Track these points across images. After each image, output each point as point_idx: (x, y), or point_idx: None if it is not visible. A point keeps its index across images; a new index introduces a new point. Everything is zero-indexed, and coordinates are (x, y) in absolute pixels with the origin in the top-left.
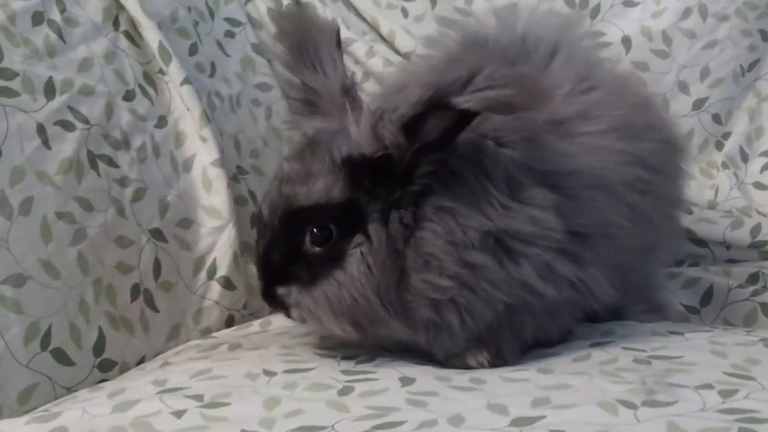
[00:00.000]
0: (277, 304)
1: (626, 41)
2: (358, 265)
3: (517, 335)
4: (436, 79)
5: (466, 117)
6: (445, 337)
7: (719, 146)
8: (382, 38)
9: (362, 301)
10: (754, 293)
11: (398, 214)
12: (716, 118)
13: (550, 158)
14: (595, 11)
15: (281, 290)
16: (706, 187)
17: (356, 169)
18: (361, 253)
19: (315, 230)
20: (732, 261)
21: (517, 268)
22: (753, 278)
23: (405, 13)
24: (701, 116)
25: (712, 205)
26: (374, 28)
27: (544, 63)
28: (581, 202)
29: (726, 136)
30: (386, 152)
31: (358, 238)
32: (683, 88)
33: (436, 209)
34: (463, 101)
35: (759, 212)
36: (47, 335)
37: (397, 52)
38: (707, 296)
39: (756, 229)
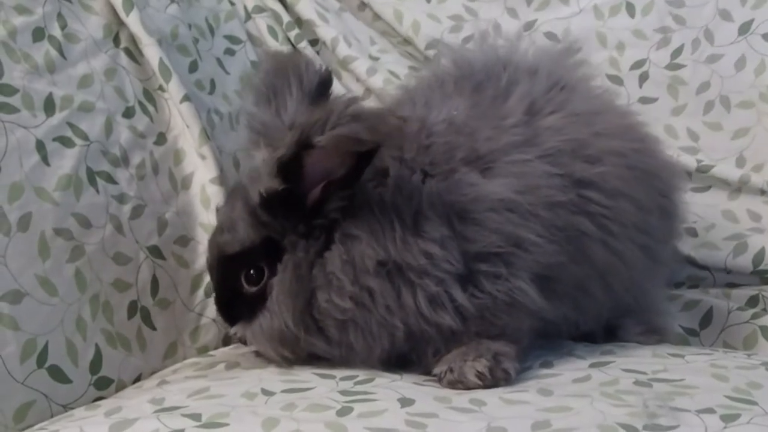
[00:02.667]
0: (238, 340)
1: None
2: (276, 295)
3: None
4: (304, 120)
5: (364, 155)
6: (355, 356)
7: None
8: (403, 39)
9: (283, 326)
10: (754, 316)
11: (307, 243)
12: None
13: (458, 189)
14: None
15: (233, 329)
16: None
17: (268, 205)
18: (277, 283)
19: (248, 272)
20: (732, 284)
21: (411, 298)
22: (753, 301)
23: None
24: (750, 39)
25: None
26: (394, 24)
27: (508, 88)
28: (485, 224)
29: None
30: (287, 188)
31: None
32: (725, 15)
33: (343, 235)
34: (321, 140)
35: None
36: (44, 352)
37: (416, 48)
38: (707, 319)
39: (759, 256)
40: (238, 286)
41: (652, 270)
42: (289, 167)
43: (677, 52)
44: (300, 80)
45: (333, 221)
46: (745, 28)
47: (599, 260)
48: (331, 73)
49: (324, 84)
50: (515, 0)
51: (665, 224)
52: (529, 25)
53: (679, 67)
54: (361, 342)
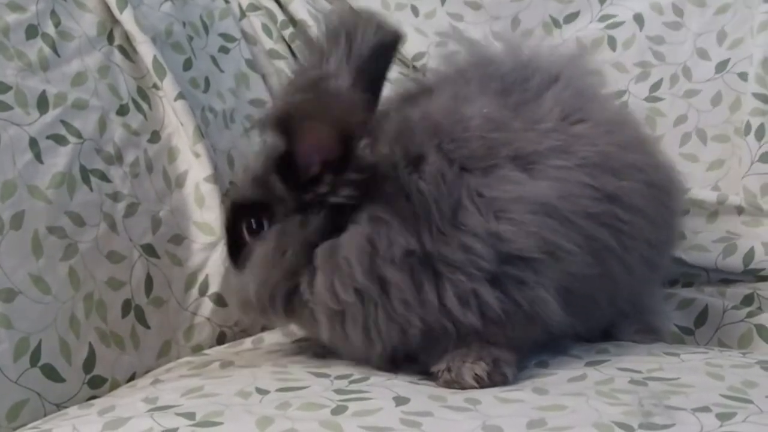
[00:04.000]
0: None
1: (638, 18)
2: (252, 258)
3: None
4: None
5: (346, 138)
6: (351, 348)
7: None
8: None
9: (247, 293)
10: (749, 315)
11: (302, 218)
12: (743, 77)
13: (500, 185)
14: None
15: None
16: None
17: (272, 165)
18: (257, 246)
19: (248, 222)
20: (726, 281)
21: (437, 292)
22: (748, 300)
23: (415, 11)
24: (726, 77)
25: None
26: None
27: (539, 92)
28: (524, 227)
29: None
30: (287, 152)
31: (267, 234)
32: (702, 54)
33: (370, 217)
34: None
35: None
36: (37, 351)
37: (404, 57)
38: (702, 317)
39: (749, 256)
40: (241, 234)
41: (651, 277)
42: (281, 128)
43: (656, 86)
44: (350, 44)
45: (354, 200)
46: (721, 67)
47: (614, 274)
48: (397, 37)
49: (383, 49)
50: (501, 24)
51: (668, 236)
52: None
53: (658, 99)
54: (360, 336)
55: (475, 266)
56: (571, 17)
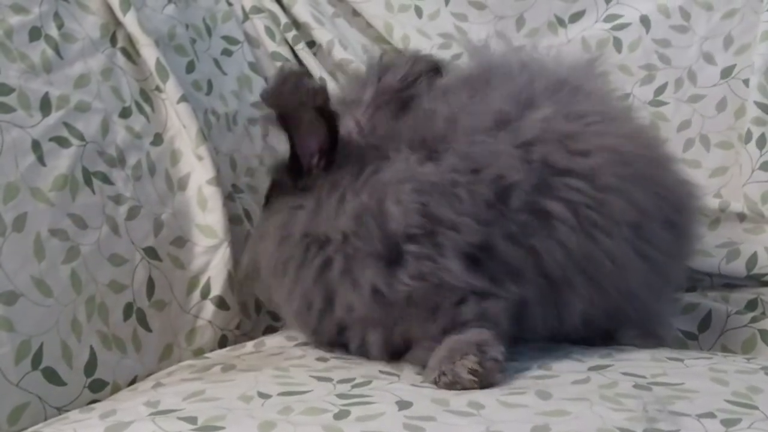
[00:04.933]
0: None
1: (645, 21)
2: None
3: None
4: None
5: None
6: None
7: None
8: (394, 48)
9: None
10: (753, 320)
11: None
12: (748, 83)
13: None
14: None
15: None
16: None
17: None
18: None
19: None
20: (729, 286)
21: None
22: (751, 305)
23: (419, 12)
24: (732, 83)
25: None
26: (385, 36)
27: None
28: (408, 204)
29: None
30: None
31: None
32: (708, 58)
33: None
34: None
35: None
36: (38, 354)
37: None
38: (705, 322)
39: (752, 261)
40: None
41: (659, 287)
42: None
43: (661, 89)
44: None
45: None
46: (727, 72)
47: (575, 249)
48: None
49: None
50: (505, 24)
51: (675, 240)
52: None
53: (662, 104)
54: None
55: (353, 247)
56: (577, 16)
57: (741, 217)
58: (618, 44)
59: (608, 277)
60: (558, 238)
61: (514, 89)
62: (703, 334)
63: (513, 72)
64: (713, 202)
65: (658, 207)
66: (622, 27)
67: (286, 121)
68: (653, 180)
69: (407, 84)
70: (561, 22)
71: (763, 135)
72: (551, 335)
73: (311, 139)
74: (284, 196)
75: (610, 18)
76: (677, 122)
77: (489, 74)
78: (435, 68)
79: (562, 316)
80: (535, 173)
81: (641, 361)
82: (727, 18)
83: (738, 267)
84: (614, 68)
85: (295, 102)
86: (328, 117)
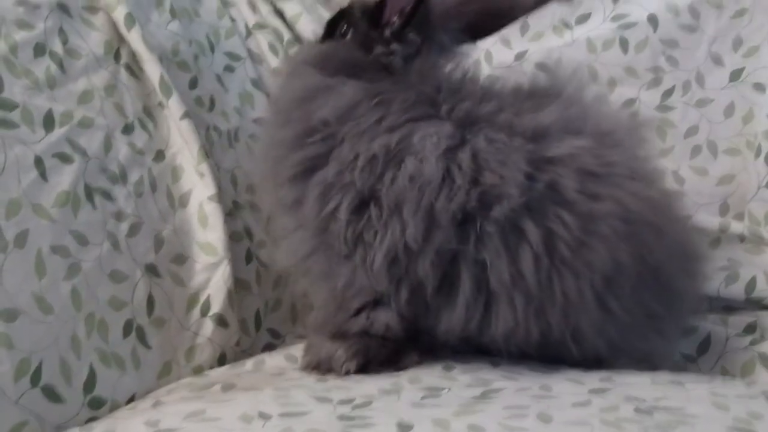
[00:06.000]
0: None
1: (652, 19)
2: None
3: None
4: None
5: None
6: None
7: None
8: None
9: None
10: (752, 342)
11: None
12: (757, 87)
13: None
14: None
15: None
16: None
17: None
18: None
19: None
20: (729, 309)
21: None
22: (750, 328)
23: None
24: (740, 87)
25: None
26: None
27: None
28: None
29: None
30: None
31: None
32: (717, 60)
33: None
34: None
35: None
36: (37, 371)
37: None
38: (705, 345)
39: (750, 285)
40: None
41: (618, 340)
42: None
43: (668, 93)
44: None
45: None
46: (736, 75)
47: (530, 276)
48: None
49: None
50: (510, 30)
51: (659, 307)
52: (520, 56)
53: (669, 109)
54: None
55: None
56: (583, 18)
57: (741, 237)
58: (624, 44)
59: (555, 310)
60: (516, 260)
61: (567, 115)
62: (702, 356)
63: (573, 102)
64: (713, 223)
65: (641, 273)
66: (628, 26)
67: None
68: (647, 248)
69: None
70: (567, 24)
71: None
72: (470, 337)
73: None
74: (344, 46)
75: (617, 17)
76: (684, 128)
77: (550, 92)
78: None
79: (484, 325)
80: (532, 192)
81: (641, 385)
82: (737, 17)
83: (737, 290)
84: (620, 70)
85: None
86: None
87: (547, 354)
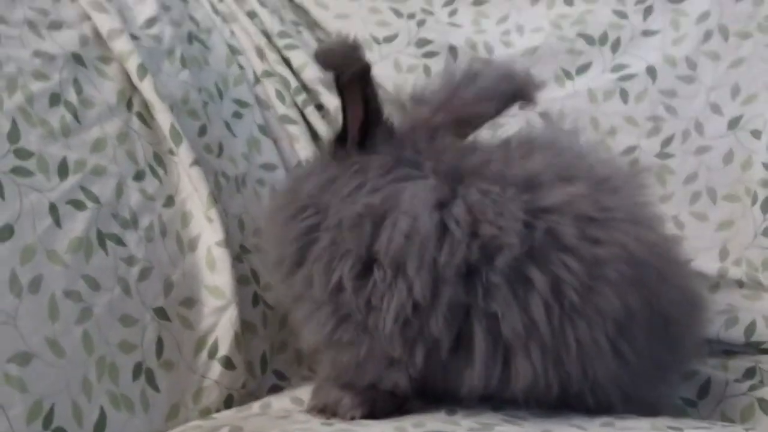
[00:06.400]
0: None
1: (651, 71)
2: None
3: None
4: None
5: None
6: None
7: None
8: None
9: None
10: (752, 388)
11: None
12: (755, 134)
13: None
14: (616, 44)
15: None
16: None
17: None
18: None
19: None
20: (728, 353)
21: None
22: (750, 373)
23: (428, 72)
24: (738, 134)
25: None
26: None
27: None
28: None
29: None
30: None
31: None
32: (715, 109)
33: None
34: None
35: None
36: (50, 414)
37: None
38: (704, 389)
39: (750, 329)
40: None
41: (629, 387)
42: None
43: (667, 141)
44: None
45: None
46: (734, 123)
47: (542, 324)
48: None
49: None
50: None
51: (663, 353)
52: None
53: (668, 156)
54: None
55: None
56: (584, 68)
57: (740, 283)
58: (624, 95)
59: (572, 359)
60: (527, 309)
61: (559, 162)
62: (702, 401)
63: (564, 150)
64: (712, 268)
65: (648, 318)
66: (628, 78)
67: (337, 83)
68: (652, 292)
69: (483, 102)
70: (568, 74)
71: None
72: (492, 394)
73: (359, 110)
74: (322, 158)
75: (617, 68)
76: (684, 175)
77: (541, 141)
78: (524, 94)
79: (507, 378)
80: (533, 240)
81: (642, 430)
82: (734, 67)
83: (737, 334)
84: (620, 120)
85: (338, 62)
86: (366, 88)
87: (565, 407)
